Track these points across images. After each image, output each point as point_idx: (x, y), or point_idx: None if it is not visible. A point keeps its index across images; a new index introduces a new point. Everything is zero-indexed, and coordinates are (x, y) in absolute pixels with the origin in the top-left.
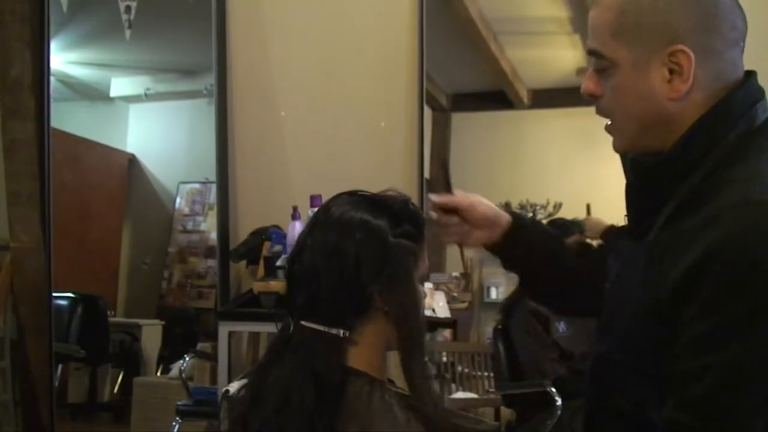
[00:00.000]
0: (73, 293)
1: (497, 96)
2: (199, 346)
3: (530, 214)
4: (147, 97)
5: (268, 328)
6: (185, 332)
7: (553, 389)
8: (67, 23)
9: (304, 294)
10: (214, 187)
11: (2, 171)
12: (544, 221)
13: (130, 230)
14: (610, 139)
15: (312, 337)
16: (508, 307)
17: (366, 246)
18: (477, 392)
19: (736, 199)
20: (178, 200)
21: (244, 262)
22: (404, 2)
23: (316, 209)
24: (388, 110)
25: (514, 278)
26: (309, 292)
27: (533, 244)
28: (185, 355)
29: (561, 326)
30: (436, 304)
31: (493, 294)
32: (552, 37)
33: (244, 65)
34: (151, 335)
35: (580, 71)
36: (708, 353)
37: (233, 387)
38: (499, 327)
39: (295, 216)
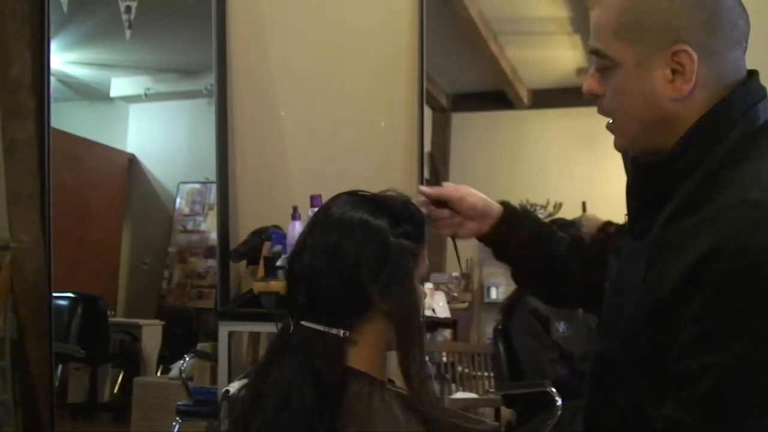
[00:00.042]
0: (73, 293)
1: (497, 96)
2: (199, 346)
3: None
4: (147, 97)
5: (268, 328)
6: (185, 332)
7: (553, 389)
8: (67, 23)
9: (304, 294)
10: (214, 187)
11: (2, 171)
12: None
13: (130, 230)
14: (610, 139)
15: (312, 337)
16: (508, 307)
17: (366, 246)
18: (477, 392)
19: (736, 200)
20: (178, 200)
21: (244, 262)
22: (404, 2)
23: (316, 209)
24: (388, 110)
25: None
26: (309, 292)
27: (524, 234)
28: (185, 355)
29: (561, 326)
30: (436, 304)
31: (493, 294)
32: (552, 37)
33: (244, 65)
34: (151, 335)
35: (580, 71)
36: (708, 353)
37: (233, 387)
38: (499, 327)
39: (295, 216)
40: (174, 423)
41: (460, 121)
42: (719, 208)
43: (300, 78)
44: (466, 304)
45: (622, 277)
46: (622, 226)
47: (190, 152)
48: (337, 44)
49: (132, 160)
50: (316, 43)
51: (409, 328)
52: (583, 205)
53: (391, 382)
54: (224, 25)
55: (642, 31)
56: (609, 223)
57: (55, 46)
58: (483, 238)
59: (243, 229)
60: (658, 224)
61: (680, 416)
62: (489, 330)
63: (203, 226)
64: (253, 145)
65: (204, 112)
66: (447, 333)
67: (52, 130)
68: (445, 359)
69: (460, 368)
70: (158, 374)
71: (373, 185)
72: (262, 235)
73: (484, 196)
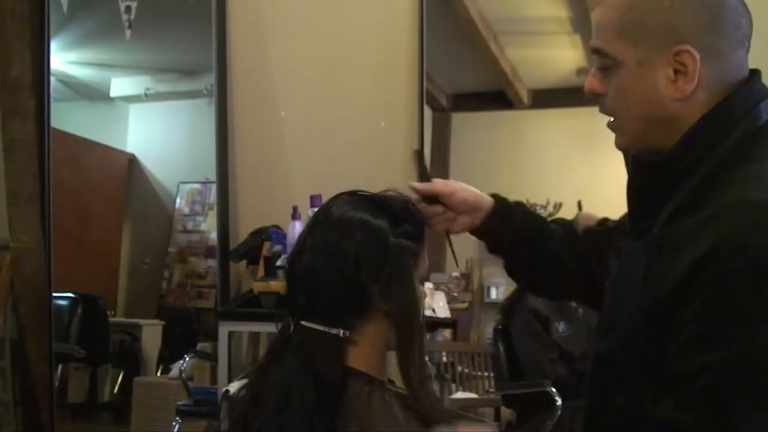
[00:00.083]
0: (73, 293)
1: (497, 96)
2: (199, 346)
3: None
4: (147, 97)
5: (268, 328)
6: (185, 332)
7: (553, 389)
8: (67, 23)
9: (304, 294)
10: (214, 187)
11: (2, 171)
12: None
13: (130, 230)
14: (609, 139)
15: (312, 337)
16: (508, 307)
17: (366, 246)
18: (477, 392)
19: (736, 199)
20: (178, 200)
21: (244, 262)
22: (404, 2)
23: (316, 209)
24: (388, 110)
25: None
26: (309, 292)
27: (516, 227)
28: (185, 355)
29: (561, 326)
30: (436, 304)
31: (493, 294)
32: (552, 37)
33: (244, 65)
34: (151, 335)
35: (580, 71)
36: (707, 352)
37: (233, 387)
38: (499, 327)
39: (295, 216)
40: (174, 423)
41: (460, 121)
42: (719, 208)
43: (300, 78)
44: (466, 304)
45: (622, 277)
46: (621, 221)
47: (190, 152)
48: (337, 44)
49: (132, 160)
50: (316, 43)
51: (409, 328)
52: (579, 204)
53: (391, 382)
54: (224, 25)
55: (644, 30)
56: (605, 220)
57: (55, 46)
58: (476, 232)
59: (243, 229)
60: (658, 224)
61: (677, 415)
62: (489, 330)
63: (203, 226)
64: (253, 145)
65: (204, 112)
66: (447, 333)
67: (52, 130)
68: (445, 359)
69: (460, 368)
70: (158, 374)
71: (373, 185)
72: (262, 235)
73: (476, 190)
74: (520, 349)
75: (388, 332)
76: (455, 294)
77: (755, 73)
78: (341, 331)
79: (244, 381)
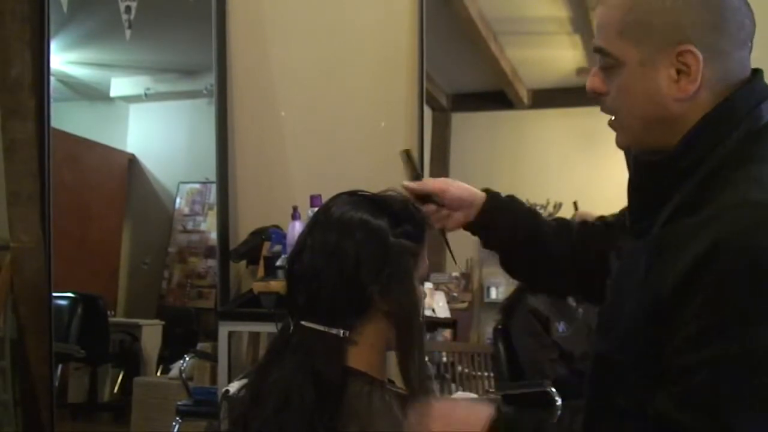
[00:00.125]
0: (73, 293)
1: (497, 96)
2: (199, 346)
3: None
4: (147, 97)
5: (268, 328)
6: (185, 332)
7: (553, 389)
8: (67, 23)
9: (304, 294)
10: (214, 187)
11: (2, 171)
12: None
13: (130, 230)
14: (609, 139)
15: (312, 337)
16: (508, 307)
17: (366, 246)
18: (477, 392)
19: (738, 200)
20: (178, 200)
21: (244, 262)
22: (404, 2)
23: (316, 209)
24: (388, 110)
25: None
26: (309, 292)
27: (508, 220)
28: (185, 355)
29: (561, 326)
30: (436, 304)
31: (493, 294)
32: (552, 37)
33: (244, 65)
34: (151, 335)
35: (580, 71)
36: (706, 349)
37: (233, 387)
38: (499, 327)
39: (295, 216)
40: (174, 423)
41: (460, 121)
42: (721, 208)
43: (300, 78)
44: (466, 304)
45: (622, 276)
46: (620, 215)
47: (190, 152)
48: (337, 44)
49: (132, 160)
50: (316, 43)
51: (409, 328)
52: (575, 204)
53: (391, 382)
54: (224, 25)
55: (647, 30)
56: (603, 217)
57: (55, 46)
58: (470, 228)
59: (243, 229)
60: (658, 223)
61: (673, 411)
62: (489, 330)
63: (203, 226)
64: (253, 145)
65: (204, 112)
66: (447, 333)
67: (52, 130)
68: (445, 359)
69: (460, 368)
70: (158, 374)
71: (373, 185)
72: (262, 235)
73: (468, 186)
74: (520, 349)
75: (388, 332)
76: (455, 294)
77: (757, 72)
78: (341, 331)
79: (244, 381)
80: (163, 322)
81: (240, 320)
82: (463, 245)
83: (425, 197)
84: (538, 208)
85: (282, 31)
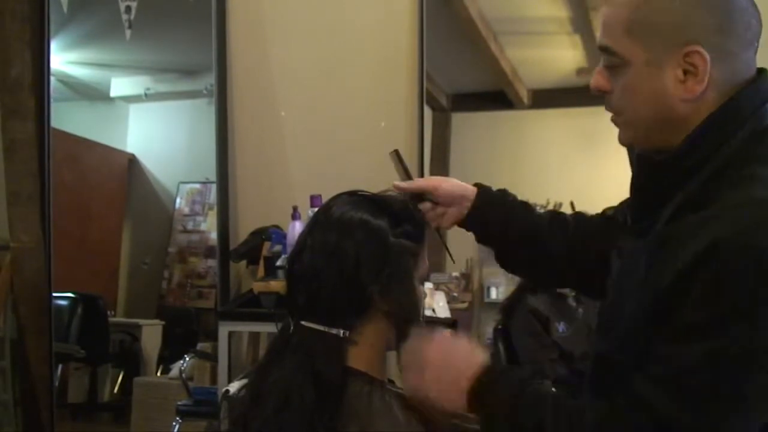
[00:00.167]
0: (73, 293)
1: (497, 96)
2: (199, 346)
3: None
4: (147, 97)
5: (268, 328)
6: (185, 332)
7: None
8: (67, 23)
9: (304, 294)
10: (214, 187)
11: (2, 171)
12: None
13: (130, 230)
14: (609, 139)
15: (312, 337)
16: (508, 307)
17: (366, 246)
18: None
19: (741, 200)
20: (178, 200)
21: (244, 262)
22: (404, 2)
23: (316, 209)
24: (388, 110)
25: (515, 278)
26: (309, 292)
27: (501, 214)
28: (185, 355)
29: (561, 326)
30: (436, 304)
31: (493, 294)
32: (552, 37)
33: (244, 65)
34: (151, 335)
35: (580, 71)
36: (698, 344)
37: (233, 387)
38: (499, 327)
39: (295, 216)
40: (174, 423)
41: (460, 121)
42: (723, 207)
43: (300, 78)
44: (466, 304)
45: (622, 276)
46: (620, 207)
47: (190, 152)
48: (337, 44)
49: (132, 160)
50: (316, 43)
51: (409, 328)
52: (572, 204)
53: (391, 382)
54: (224, 25)
55: (654, 30)
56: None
57: (55, 46)
58: (463, 224)
59: (243, 229)
60: (660, 222)
61: (652, 395)
62: (489, 330)
63: (203, 226)
64: (253, 145)
65: (204, 112)
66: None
67: (52, 130)
68: None
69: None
70: (158, 374)
71: (373, 185)
72: (262, 235)
73: (459, 182)
74: (520, 349)
75: (388, 332)
76: (455, 294)
77: (762, 72)
78: (341, 331)
79: (244, 381)
80: (163, 322)
81: (240, 320)
82: (463, 245)
83: (419, 196)
84: (538, 208)
85: (282, 31)
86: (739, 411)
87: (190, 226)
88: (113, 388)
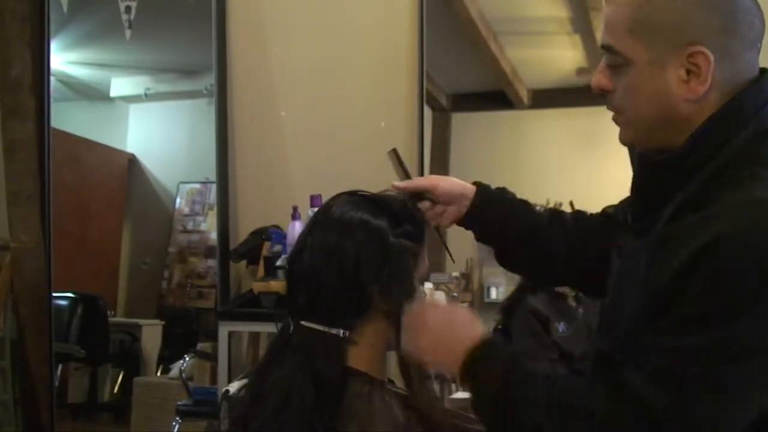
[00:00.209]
0: (73, 293)
1: (497, 96)
2: (199, 346)
3: None
4: (147, 97)
5: (268, 328)
6: (185, 332)
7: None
8: (67, 23)
9: (304, 294)
10: (214, 187)
11: (2, 171)
12: None
13: (130, 230)
14: (609, 139)
15: (312, 337)
16: (508, 307)
17: (366, 246)
18: None
19: (741, 199)
20: (178, 200)
21: (244, 262)
22: (404, 2)
23: (316, 209)
24: (388, 110)
25: (514, 278)
26: (309, 292)
27: (500, 212)
28: (185, 355)
29: (561, 326)
30: None
31: (493, 294)
32: (552, 37)
33: (244, 65)
34: (151, 335)
35: (580, 71)
36: (687, 337)
37: (233, 387)
38: (499, 327)
39: (295, 216)
40: (174, 423)
41: (460, 121)
42: (723, 207)
43: (300, 78)
44: (465, 304)
45: (622, 276)
46: (620, 206)
47: (190, 152)
48: (337, 44)
49: (132, 160)
50: (316, 43)
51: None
52: (571, 204)
53: (391, 382)
54: (224, 25)
55: (657, 30)
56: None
57: (55, 46)
58: (462, 222)
59: (243, 229)
60: (660, 222)
61: (642, 387)
62: (489, 330)
63: (203, 226)
64: (253, 145)
65: (204, 112)
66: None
67: (52, 130)
68: None
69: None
70: (158, 374)
71: (373, 185)
72: (262, 235)
73: (458, 180)
74: (519, 349)
75: (388, 332)
76: (455, 294)
77: (765, 72)
78: (341, 331)
79: (244, 381)
80: (163, 322)
81: (240, 320)
82: (463, 245)
83: (418, 195)
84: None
85: (282, 31)
86: (725, 403)
87: (190, 226)
88: (113, 388)
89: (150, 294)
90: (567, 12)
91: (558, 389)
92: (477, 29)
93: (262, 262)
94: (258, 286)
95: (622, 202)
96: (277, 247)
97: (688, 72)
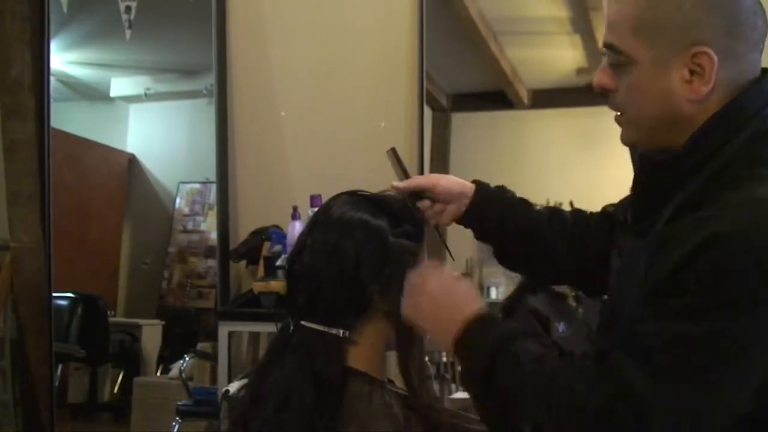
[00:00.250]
0: (73, 293)
1: (497, 96)
2: (199, 346)
3: None
4: (147, 97)
5: (268, 328)
6: (185, 332)
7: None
8: (67, 23)
9: (304, 294)
10: (214, 187)
11: (2, 171)
12: None
13: (130, 230)
14: (609, 139)
15: (312, 337)
16: (508, 307)
17: (366, 246)
18: None
19: (741, 199)
20: (178, 200)
21: (244, 262)
22: (404, 2)
23: (316, 209)
24: (388, 110)
25: (514, 278)
26: (309, 292)
27: (499, 211)
28: (185, 355)
29: (561, 326)
30: None
31: (493, 294)
32: (552, 37)
33: (244, 65)
34: (151, 335)
35: (580, 71)
36: (675, 325)
37: (233, 387)
38: None
39: (295, 216)
40: (174, 423)
41: (460, 121)
42: (723, 207)
43: (300, 78)
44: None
45: (622, 276)
46: (620, 205)
47: (190, 152)
48: (337, 44)
49: (132, 160)
50: (316, 43)
51: (409, 328)
52: (571, 204)
53: (391, 382)
54: (224, 25)
55: (661, 30)
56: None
57: (55, 46)
58: (461, 221)
59: (243, 229)
60: (660, 222)
61: (632, 373)
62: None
63: (203, 226)
64: (253, 145)
65: (204, 112)
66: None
67: (52, 130)
68: (445, 359)
69: (460, 368)
70: (158, 374)
71: (373, 185)
72: (262, 235)
73: (457, 179)
74: None
75: (388, 332)
76: None
77: (767, 72)
78: (341, 331)
79: (244, 381)
80: (163, 322)
81: (240, 320)
82: (463, 245)
83: (417, 194)
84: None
85: (282, 31)
86: (709, 394)
87: (190, 226)
88: (113, 388)
89: (150, 294)
90: (567, 12)
91: (546, 371)
92: (477, 29)
93: (262, 262)
94: (258, 286)
95: (621, 202)
96: (277, 247)
97: (692, 72)
